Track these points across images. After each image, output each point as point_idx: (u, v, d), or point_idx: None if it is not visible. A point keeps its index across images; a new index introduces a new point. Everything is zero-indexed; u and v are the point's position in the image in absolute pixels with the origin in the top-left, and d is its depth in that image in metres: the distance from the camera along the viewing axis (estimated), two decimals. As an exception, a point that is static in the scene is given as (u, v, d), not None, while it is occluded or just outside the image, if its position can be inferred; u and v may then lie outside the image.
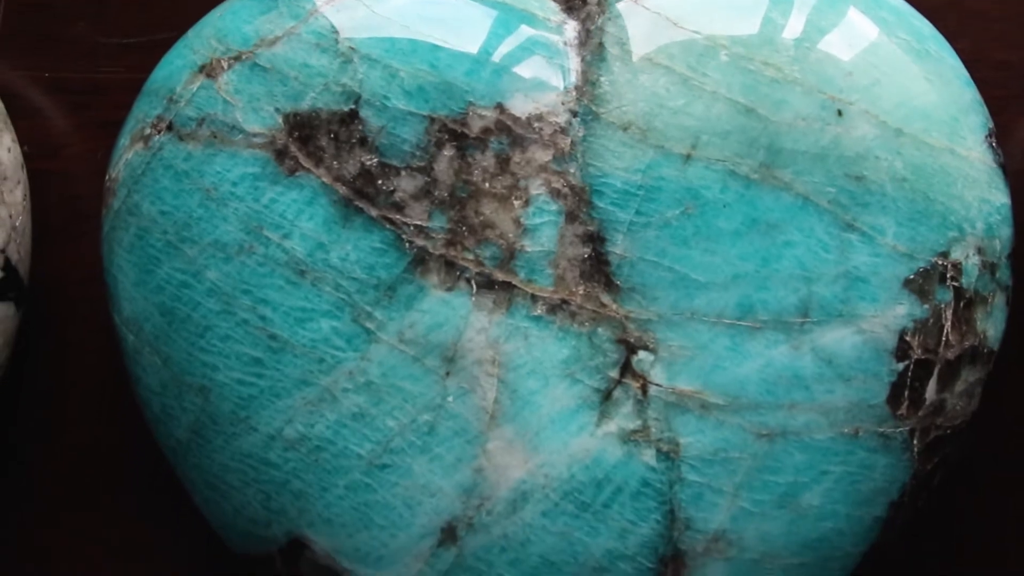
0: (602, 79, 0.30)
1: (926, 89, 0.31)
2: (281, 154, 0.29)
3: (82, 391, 0.36)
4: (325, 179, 0.29)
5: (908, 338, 0.30)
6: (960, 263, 0.30)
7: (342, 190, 0.29)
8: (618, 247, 0.29)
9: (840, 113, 0.30)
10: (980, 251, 0.31)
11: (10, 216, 0.33)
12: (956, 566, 0.36)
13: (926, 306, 0.30)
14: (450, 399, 0.29)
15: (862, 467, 0.30)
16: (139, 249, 0.30)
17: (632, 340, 0.29)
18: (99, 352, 0.36)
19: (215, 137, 0.30)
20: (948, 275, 0.30)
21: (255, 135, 0.29)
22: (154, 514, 0.36)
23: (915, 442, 0.30)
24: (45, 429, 0.36)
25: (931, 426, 0.30)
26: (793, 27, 0.29)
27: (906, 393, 0.30)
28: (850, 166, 0.30)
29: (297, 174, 0.29)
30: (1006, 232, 0.31)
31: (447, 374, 0.29)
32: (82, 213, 0.36)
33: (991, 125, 0.32)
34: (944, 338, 0.30)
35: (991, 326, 0.31)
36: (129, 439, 0.36)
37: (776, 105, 0.29)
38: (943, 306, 0.30)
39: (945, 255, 0.30)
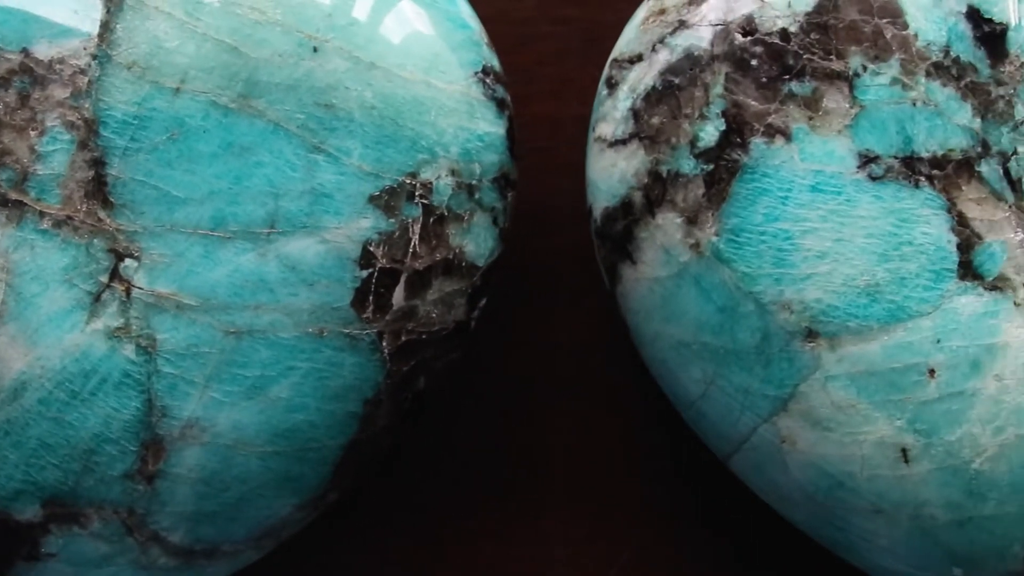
0: (118, 26, 0.34)
1: (408, 29, 0.34)
2: None
3: None
4: None
5: (372, 248, 0.33)
6: (431, 183, 0.34)
7: None
8: (115, 170, 0.34)
9: (315, 50, 0.34)
10: (454, 173, 0.34)
11: None
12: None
13: (392, 220, 0.33)
14: (-36, 302, 0.33)
15: (329, 364, 0.33)
16: None
17: (121, 249, 0.33)
18: None
19: None
20: (417, 193, 0.34)
21: None
22: None
23: (384, 344, 0.34)
24: None
25: (401, 330, 0.34)
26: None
27: (371, 298, 0.33)
28: (320, 95, 0.33)
29: None
30: (491, 158, 0.35)
31: (-38, 281, 0.33)
32: None
33: (486, 64, 0.35)
34: (411, 249, 0.34)
35: (471, 242, 0.34)
36: None
37: (257, 43, 0.34)
38: (410, 221, 0.34)
39: (414, 175, 0.34)
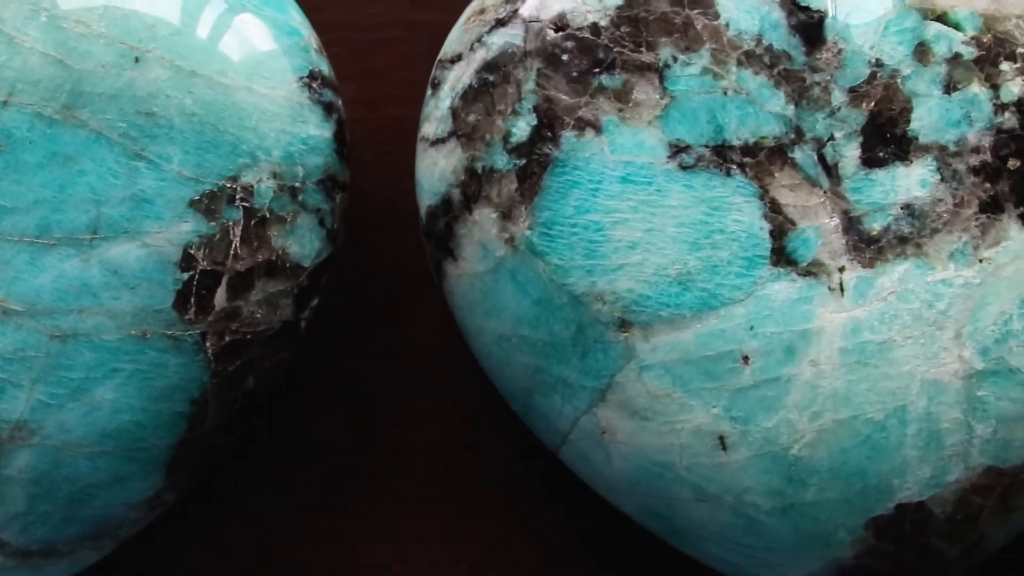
0: (-48, 45, 0.35)
1: (232, 37, 0.35)
2: None
3: None
4: None
5: (193, 251, 0.34)
6: (252, 186, 0.34)
7: None
8: (-54, 182, 0.35)
9: (137, 60, 0.35)
10: (276, 176, 0.35)
11: None
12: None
13: (213, 223, 0.34)
14: None
15: (153, 365, 0.34)
16: None
17: (-50, 258, 0.34)
18: None
19: None
20: (237, 196, 0.34)
21: None
22: None
23: (208, 344, 0.34)
24: None
25: (225, 330, 0.34)
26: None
27: (193, 300, 0.34)
28: (141, 104, 0.34)
29: None
30: (316, 161, 0.35)
31: None
32: None
33: (314, 69, 0.36)
34: (233, 251, 0.34)
35: (294, 243, 0.35)
36: None
37: (81, 56, 0.35)
38: (231, 223, 0.34)
39: (235, 179, 0.34)
